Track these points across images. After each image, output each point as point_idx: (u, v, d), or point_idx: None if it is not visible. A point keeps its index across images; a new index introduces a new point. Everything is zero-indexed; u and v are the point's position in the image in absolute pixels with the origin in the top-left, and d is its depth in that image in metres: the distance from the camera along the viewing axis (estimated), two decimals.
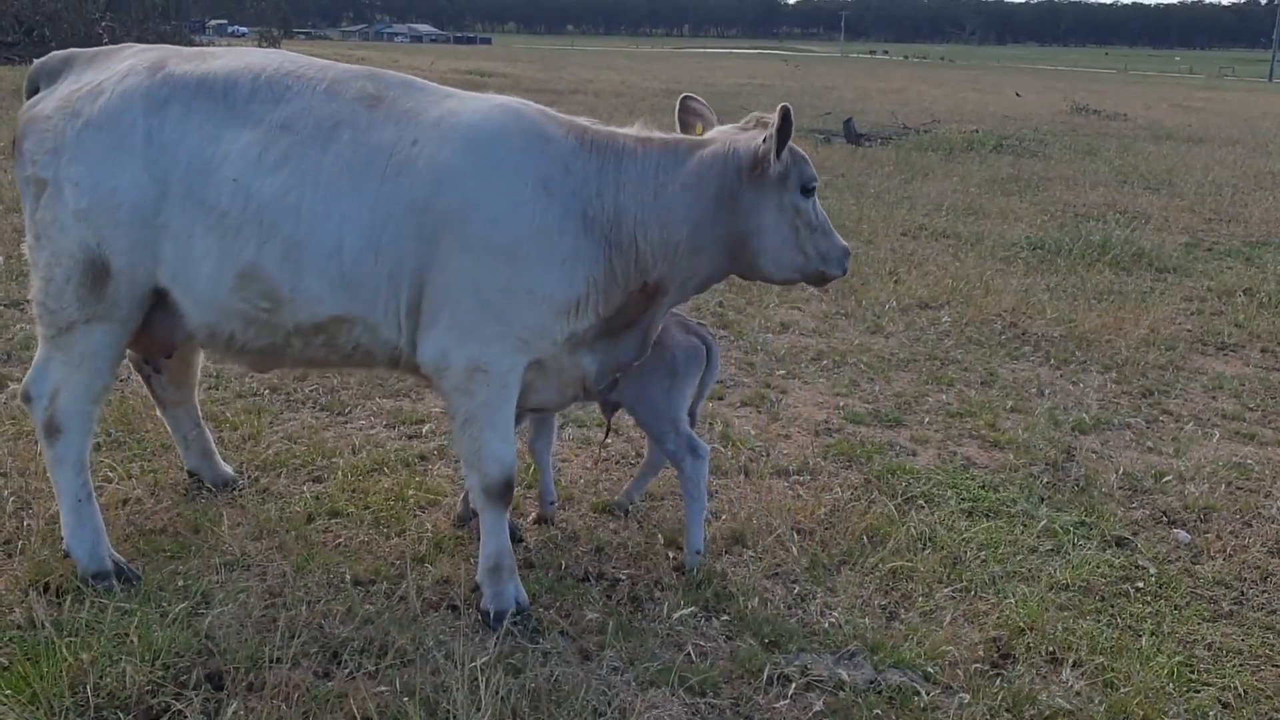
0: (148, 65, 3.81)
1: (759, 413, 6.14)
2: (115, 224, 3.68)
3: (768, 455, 5.46)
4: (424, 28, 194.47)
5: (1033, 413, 6.36)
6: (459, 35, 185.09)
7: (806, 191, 3.91)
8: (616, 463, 5.32)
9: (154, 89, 3.72)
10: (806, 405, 6.30)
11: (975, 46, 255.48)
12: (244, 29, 64.14)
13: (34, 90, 4.00)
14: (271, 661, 3.43)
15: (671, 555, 4.39)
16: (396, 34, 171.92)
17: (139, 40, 26.96)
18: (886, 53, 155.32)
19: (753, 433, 5.76)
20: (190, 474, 4.78)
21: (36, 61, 4.09)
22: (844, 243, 4.13)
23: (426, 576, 4.09)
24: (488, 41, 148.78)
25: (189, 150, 3.67)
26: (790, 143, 3.81)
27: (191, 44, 33.27)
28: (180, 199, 3.66)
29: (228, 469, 4.83)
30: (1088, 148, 21.23)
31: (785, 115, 3.69)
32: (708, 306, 8.13)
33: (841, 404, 6.33)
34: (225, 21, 63.21)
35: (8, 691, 3.18)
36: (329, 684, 3.41)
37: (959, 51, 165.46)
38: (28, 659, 3.34)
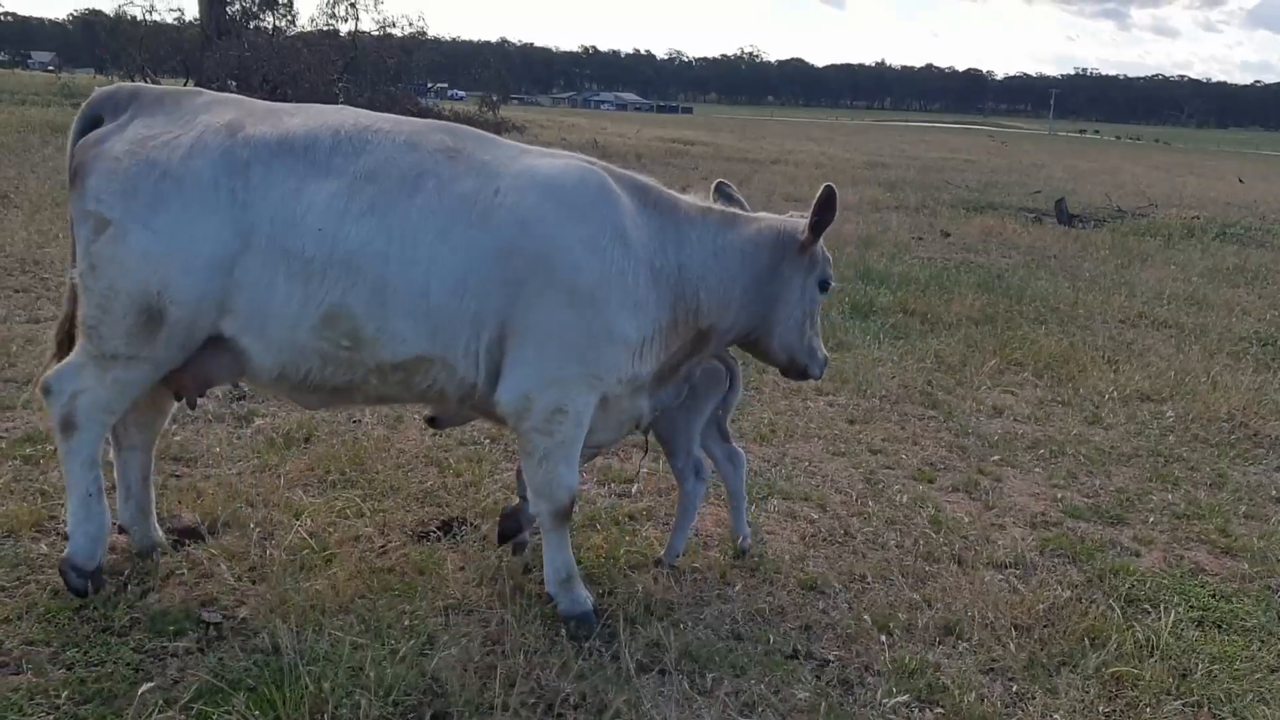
0: (226, 124, 3.93)
1: (971, 499, 5.98)
2: (186, 274, 3.78)
3: (981, 545, 5.29)
4: (629, 96, 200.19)
5: (1269, 520, 5.96)
6: (662, 104, 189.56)
7: (823, 287, 4.50)
8: (824, 539, 5.27)
9: (235, 149, 3.86)
10: (1021, 495, 6.09)
11: (1193, 129, 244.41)
12: (462, 93, 67.35)
13: (94, 119, 4.04)
14: (493, 707, 3.53)
15: (883, 639, 4.31)
16: (603, 102, 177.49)
17: (370, 100, 28.93)
18: (1097, 132, 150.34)
19: (965, 520, 5.61)
20: (120, 529, 4.49)
21: (100, 91, 4.16)
22: (825, 351, 4.69)
23: (638, 638, 4.13)
24: (689, 111, 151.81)
25: (272, 206, 3.82)
26: (822, 244, 4.43)
27: (417, 104, 35.38)
28: (261, 252, 3.81)
29: (159, 534, 4.55)
30: None
31: (828, 194, 4.28)
32: (915, 384, 8.00)
33: (1059, 496, 6.10)
34: (446, 85, 66.71)
35: (255, 712, 3.37)
36: None
37: (1175, 134, 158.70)
38: (272, 683, 3.53)
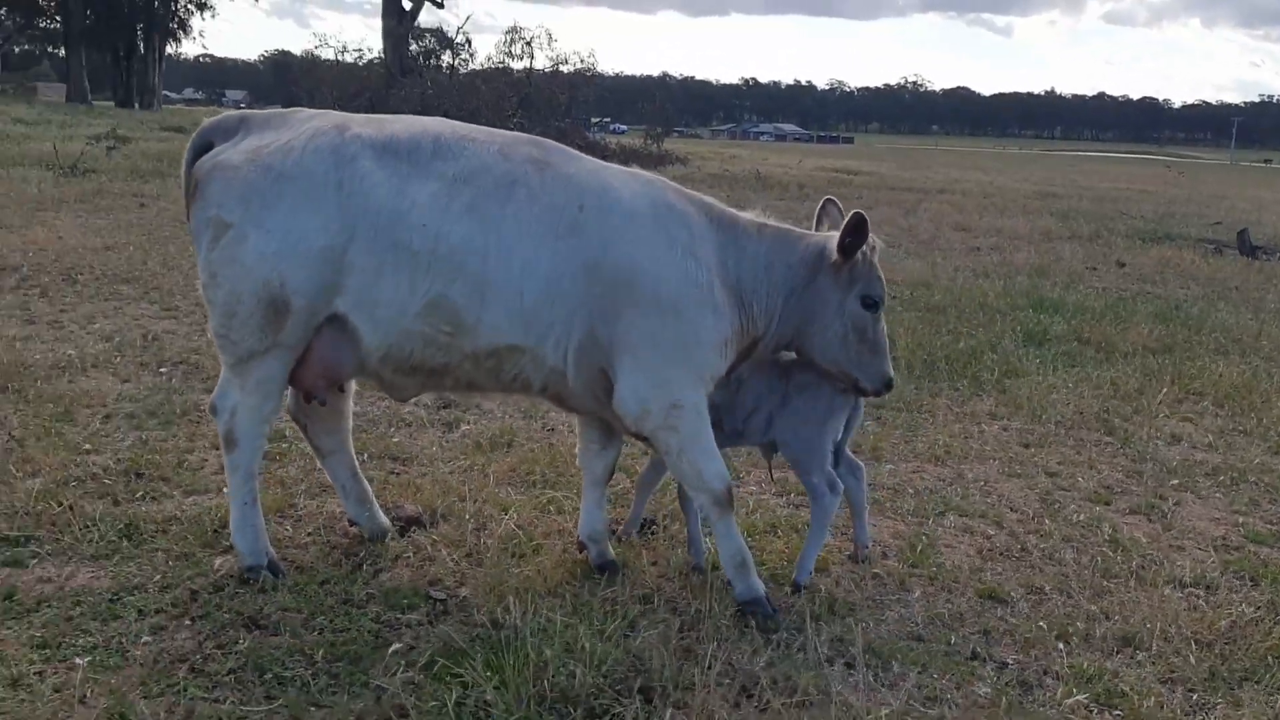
0: (334, 125, 4.36)
1: (1150, 521, 6.01)
2: (304, 264, 4.18)
3: (1160, 564, 5.35)
4: (788, 127, 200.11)
5: None
6: (821, 134, 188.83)
7: (866, 304, 4.61)
8: (1001, 554, 5.42)
9: (344, 145, 4.27)
10: (1201, 520, 6.09)
11: None
12: (624, 127, 68.59)
13: (206, 145, 4.45)
14: (693, 685, 3.84)
15: (1061, 646, 4.45)
16: (762, 133, 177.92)
17: (542, 133, 30.01)
18: None
19: (1144, 540, 5.66)
20: (350, 523, 5.05)
21: (210, 120, 4.60)
22: (890, 371, 4.76)
23: (822, 633, 4.38)
24: (850, 141, 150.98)
25: (379, 199, 4.20)
26: (873, 262, 4.60)
27: (585, 138, 36.37)
28: (369, 240, 4.19)
29: (385, 520, 5.04)
30: None
31: (857, 220, 4.46)
32: (1090, 411, 8.00)
33: (1241, 522, 6.07)
34: (609, 119, 68.33)
35: (487, 673, 3.79)
36: (742, 713, 3.78)
37: None
38: (493, 652, 3.94)
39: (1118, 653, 4.46)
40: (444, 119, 4.70)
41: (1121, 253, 18.46)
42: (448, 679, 3.81)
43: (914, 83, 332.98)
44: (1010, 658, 4.38)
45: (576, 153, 4.69)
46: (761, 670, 4.02)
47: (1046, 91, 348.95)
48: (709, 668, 3.96)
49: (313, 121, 4.44)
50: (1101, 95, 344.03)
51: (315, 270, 4.22)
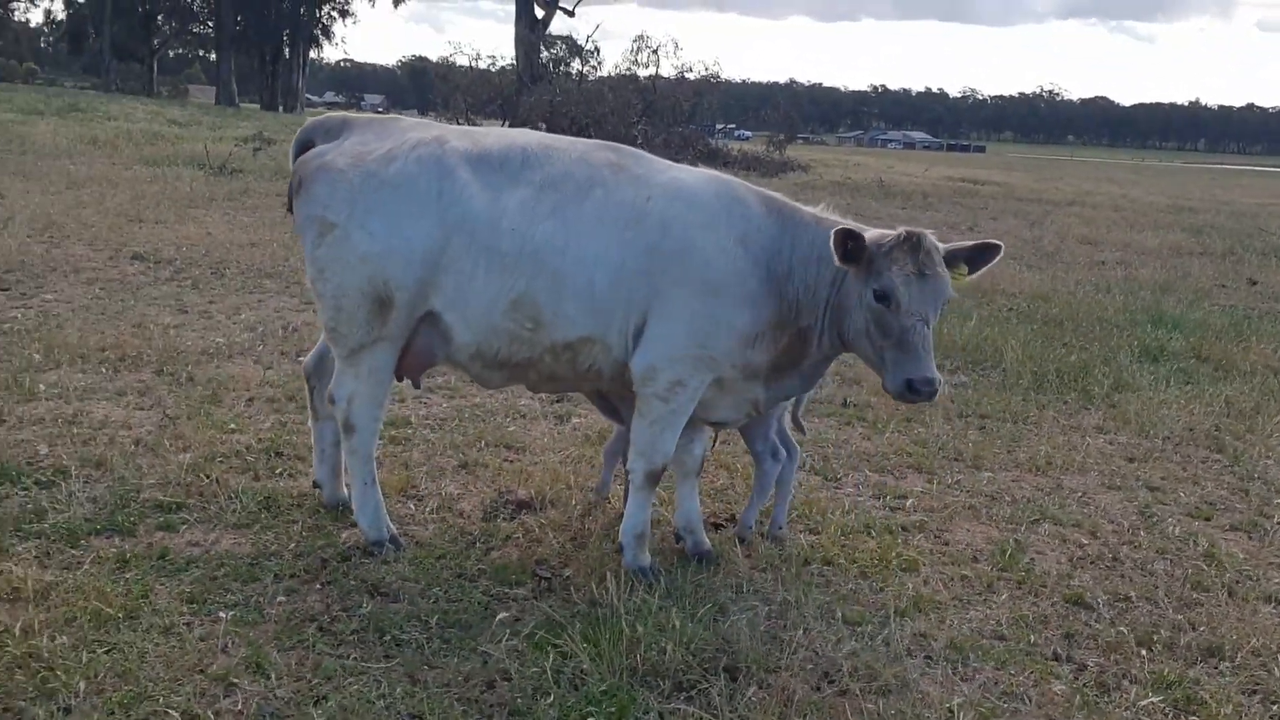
0: (434, 138, 4.73)
1: (1250, 539, 6.00)
2: (406, 266, 4.56)
3: (1256, 580, 5.37)
4: (918, 135, 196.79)
5: None
6: (952, 143, 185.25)
7: (877, 296, 4.46)
8: (1092, 562, 5.50)
9: (444, 157, 4.65)
10: None
11: None
12: (749, 134, 68.56)
13: (308, 143, 4.88)
14: (778, 668, 4.10)
15: (1143, 652, 4.55)
16: (890, 140, 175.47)
17: (665, 140, 30.40)
18: None
19: (1240, 556, 5.67)
20: (314, 485, 5.42)
21: (312, 120, 5.05)
22: (918, 375, 4.35)
23: (905, 628, 4.58)
24: (981, 149, 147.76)
25: (476, 208, 4.57)
26: (893, 256, 4.41)
27: (708, 145, 36.66)
28: (464, 244, 4.57)
29: (345, 494, 5.28)
30: None
31: (838, 235, 4.37)
32: (1200, 428, 7.94)
33: None
34: (734, 126, 68.49)
35: (585, 644, 4.10)
36: (821, 695, 4.02)
37: None
38: (591, 626, 4.25)
39: (1201, 662, 4.54)
40: (530, 130, 5.21)
41: (1255, 270, 17.90)
42: (548, 648, 4.14)
43: (1050, 91, 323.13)
44: (1091, 660, 4.50)
45: (650, 155, 5.08)
46: (844, 658, 4.25)
47: (1191, 102, 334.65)
48: (793, 653, 4.22)
49: (414, 132, 4.83)
50: (1250, 106, 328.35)
51: (416, 270, 4.59)
